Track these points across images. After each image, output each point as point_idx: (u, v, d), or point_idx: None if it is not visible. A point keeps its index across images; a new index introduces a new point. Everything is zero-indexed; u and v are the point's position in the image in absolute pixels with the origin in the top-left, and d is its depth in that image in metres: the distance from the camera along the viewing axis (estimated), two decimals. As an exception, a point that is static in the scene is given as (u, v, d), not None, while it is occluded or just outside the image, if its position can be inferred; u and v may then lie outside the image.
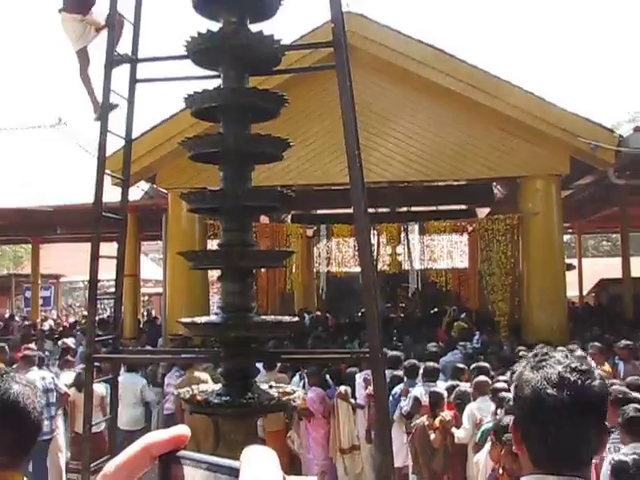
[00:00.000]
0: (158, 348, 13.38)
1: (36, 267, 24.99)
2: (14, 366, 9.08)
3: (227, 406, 4.18)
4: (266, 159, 4.65)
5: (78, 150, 19.49)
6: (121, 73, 5.05)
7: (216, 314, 4.64)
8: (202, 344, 9.18)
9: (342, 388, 9.32)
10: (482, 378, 8.20)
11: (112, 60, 4.79)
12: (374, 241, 17.55)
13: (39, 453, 8.77)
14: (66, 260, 27.15)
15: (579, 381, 1.71)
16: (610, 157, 12.88)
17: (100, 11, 7.67)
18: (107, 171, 4.97)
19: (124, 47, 5.37)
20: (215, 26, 4.43)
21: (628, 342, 10.31)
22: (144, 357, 8.06)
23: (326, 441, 9.42)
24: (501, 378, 8.37)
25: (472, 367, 8.93)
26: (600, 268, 29.84)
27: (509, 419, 5.71)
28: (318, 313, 20.62)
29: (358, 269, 5.10)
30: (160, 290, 19.76)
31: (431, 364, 9.17)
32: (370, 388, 8.81)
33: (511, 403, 6.46)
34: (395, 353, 10.09)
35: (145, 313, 27.91)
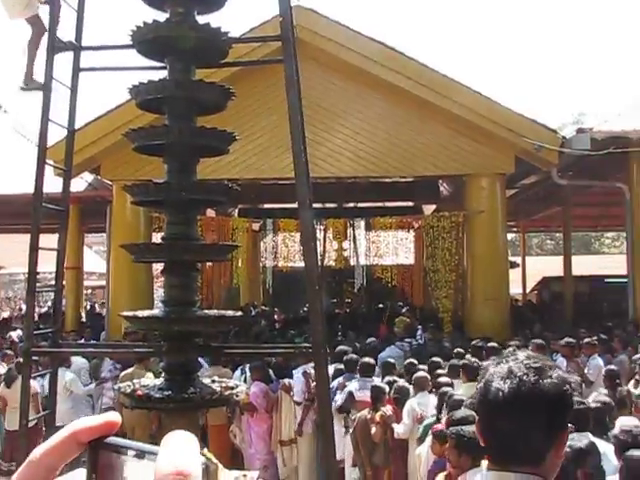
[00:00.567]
0: (100, 342, 13.20)
1: (-25, 258, 24.46)
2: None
3: (169, 401, 4.14)
4: (211, 152, 4.61)
5: (19, 138, 19.07)
6: (64, 60, 4.95)
7: (159, 308, 4.59)
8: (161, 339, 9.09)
9: (286, 381, 9.34)
10: (421, 374, 8.32)
11: (54, 46, 4.69)
12: (320, 236, 17.57)
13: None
14: (6, 251, 26.57)
15: (525, 377, 1.72)
16: (554, 158, 13.10)
17: None
18: (49, 161, 4.87)
19: (68, 34, 5.26)
20: (162, 16, 4.37)
21: (570, 340, 10.30)
22: (84, 351, 7.95)
23: (269, 435, 9.43)
24: (440, 372, 8.52)
25: (428, 363, 9.00)
26: (543, 266, 30.36)
27: (452, 413, 5.80)
28: (265, 308, 20.59)
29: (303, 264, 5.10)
30: (104, 283, 19.49)
31: (367, 359, 9.24)
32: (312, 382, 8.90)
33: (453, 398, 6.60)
34: (343, 347, 10.16)
35: (89, 306, 27.50)
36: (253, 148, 13.36)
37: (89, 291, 34.40)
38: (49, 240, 5.81)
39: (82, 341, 12.67)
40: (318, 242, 16.72)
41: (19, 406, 5.23)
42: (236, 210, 20.49)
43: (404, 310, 16.56)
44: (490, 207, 13.68)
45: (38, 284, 4.91)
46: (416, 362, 9.27)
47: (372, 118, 13.71)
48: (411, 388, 8.22)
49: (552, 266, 27.31)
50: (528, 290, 28.31)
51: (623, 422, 6.18)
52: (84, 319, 19.12)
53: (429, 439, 6.52)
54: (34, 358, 5.92)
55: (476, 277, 13.85)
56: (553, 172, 13.87)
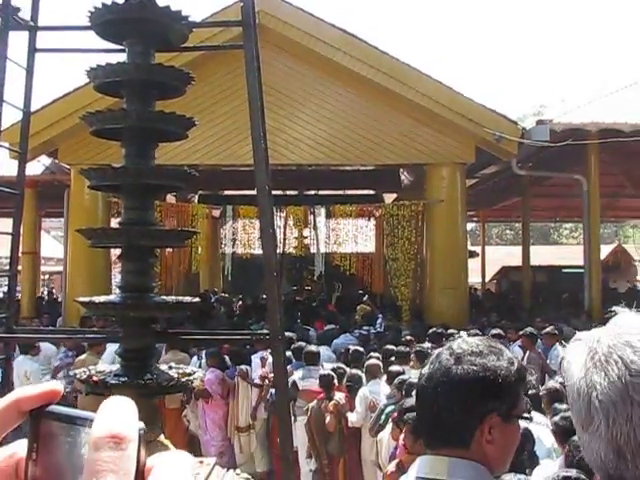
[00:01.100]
0: (56, 328, 13.05)
1: None
2: None
3: (125, 387, 4.11)
4: (170, 137, 4.56)
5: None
6: (19, 39, 4.85)
7: (116, 294, 4.55)
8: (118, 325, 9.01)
9: (243, 367, 9.37)
10: (373, 361, 8.36)
11: (8, 24, 4.59)
12: (281, 223, 17.55)
13: None
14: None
15: (445, 362, 1.76)
16: (513, 148, 13.23)
17: None
18: (3, 143, 4.79)
19: (23, 13, 5.15)
20: (121, -2, 4.31)
21: (531, 329, 10.29)
22: (39, 337, 7.84)
23: (224, 422, 9.45)
24: (393, 360, 8.58)
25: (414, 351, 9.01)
26: (503, 256, 30.74)
27: (403, 401, 5.86)
28: (225, 295, 20.55)
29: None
30: (62, 269, 19.28)
31: (312, 348, 9.27)
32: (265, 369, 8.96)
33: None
34: (289, 335, 10.16)
35: (46, 292, 27.18)
36: (214, 134, 13.29)
37: (47, 276, 33.98)
38: (4, 224, 5.71)
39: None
40: (278, 229, 16.73)
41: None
42: (196, 196, 20.38)
43: (365, 298, 16.63)
44: (450, 196, 13.78)
45: (-8, 269, 4.84)
46: (362, 349, 9.31)
47: (334, 106, 13.71)
48: (363, 376, 8.26)
49: (511, 256, 27.66)
50: (487, 279, 28.64)
51: (547, 385, 6.35)
52: (43, 305, 18.90)
53: (389, 426, 6.60)
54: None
55: (435, 266, 13.95)
56: (513, 163, 14.01)
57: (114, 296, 4.56)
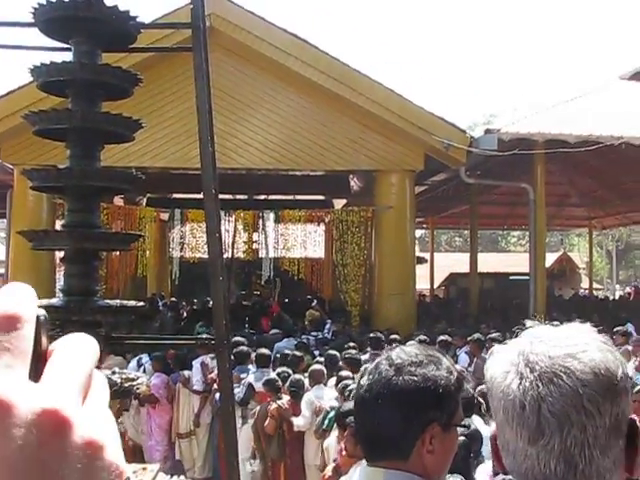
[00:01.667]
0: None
1: None
2: None
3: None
4: (116, 139, 4.49)
5: None
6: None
7: (59, 297, 4.46)
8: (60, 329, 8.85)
9: (185, 373, 9.32)
10: (316, 367, 8.37)
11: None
12: (230, 228, 17.45)
13: None
14: None
15: (384, 372, 1.74)
16: (462, 156, 13.36)
17: None
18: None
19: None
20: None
21: (479, 336, 10.32)
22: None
23: (169, 426, 9.39)
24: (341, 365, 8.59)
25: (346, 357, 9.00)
26: (451, 262, 31.03)
27: (341, 405, 5.86)
28: (173, 299, 20.37)
29: (208, 255, 5.04)
30: (3, 271, 18.88)
31: (263, 350, 9.27)
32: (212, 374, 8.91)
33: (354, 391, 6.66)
34: (236, 339, 10.12)
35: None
36: (163, 137, 13.16)
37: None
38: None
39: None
40: (227, 233, 16.63)
41: None
42: (144, 199, 20.17)
43: (313, 303, 16.62)
44: (399, 203, 13.86)
45: None
46: (300, 354, 9.30)
47: (283, 110, 13.70)
48: (306, 381, 8.25)
49: (460, 263, 27.95)
50: (436, 286, 28.88)
51: (480, 388, 6.43)
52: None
53: (335, 433, 6.59)
54: None
55: (383, 272, 14.02)
56: (461, 171, 14.17)
57: (56, 299, 4.48)
